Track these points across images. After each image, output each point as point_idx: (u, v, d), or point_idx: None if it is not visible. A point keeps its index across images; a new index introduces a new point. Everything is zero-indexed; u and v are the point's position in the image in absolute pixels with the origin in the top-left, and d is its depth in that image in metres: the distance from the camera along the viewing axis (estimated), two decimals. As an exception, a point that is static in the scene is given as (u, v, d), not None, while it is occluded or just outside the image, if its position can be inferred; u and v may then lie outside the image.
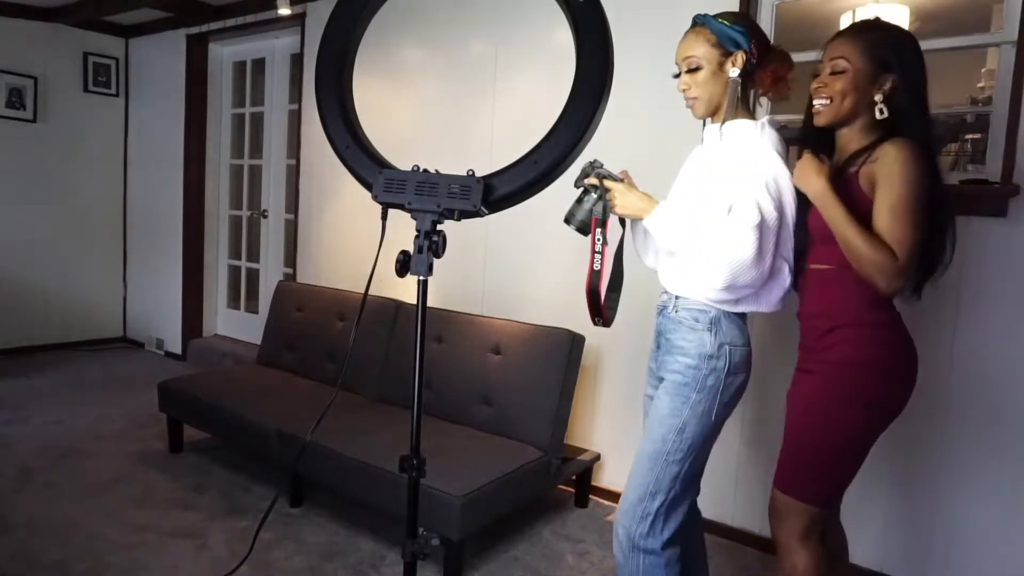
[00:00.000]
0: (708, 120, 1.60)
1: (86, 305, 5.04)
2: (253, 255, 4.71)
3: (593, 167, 1.55)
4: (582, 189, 1.55)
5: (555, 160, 1.24)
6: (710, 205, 1.47)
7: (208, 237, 4.81)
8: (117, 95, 5.05)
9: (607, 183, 1.52)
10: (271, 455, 2.68)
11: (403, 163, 1.33)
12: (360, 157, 1.36)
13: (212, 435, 3.14)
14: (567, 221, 1.57)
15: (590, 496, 2.85)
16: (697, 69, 1.53)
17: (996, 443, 2.10)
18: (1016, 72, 2.04)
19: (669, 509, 1.54)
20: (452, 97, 3.29)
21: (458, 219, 1.27)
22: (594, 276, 1.51)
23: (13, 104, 4.52)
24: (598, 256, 1.51)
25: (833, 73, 1.52)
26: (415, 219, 1.26)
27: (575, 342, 2.55)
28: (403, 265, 1.25)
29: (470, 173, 1.25)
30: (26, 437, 3.25)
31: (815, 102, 1.55)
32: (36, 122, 4.64)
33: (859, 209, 1.43)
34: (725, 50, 1.51)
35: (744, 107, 1.56)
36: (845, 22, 3.04)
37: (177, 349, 4.83)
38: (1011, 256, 2.06)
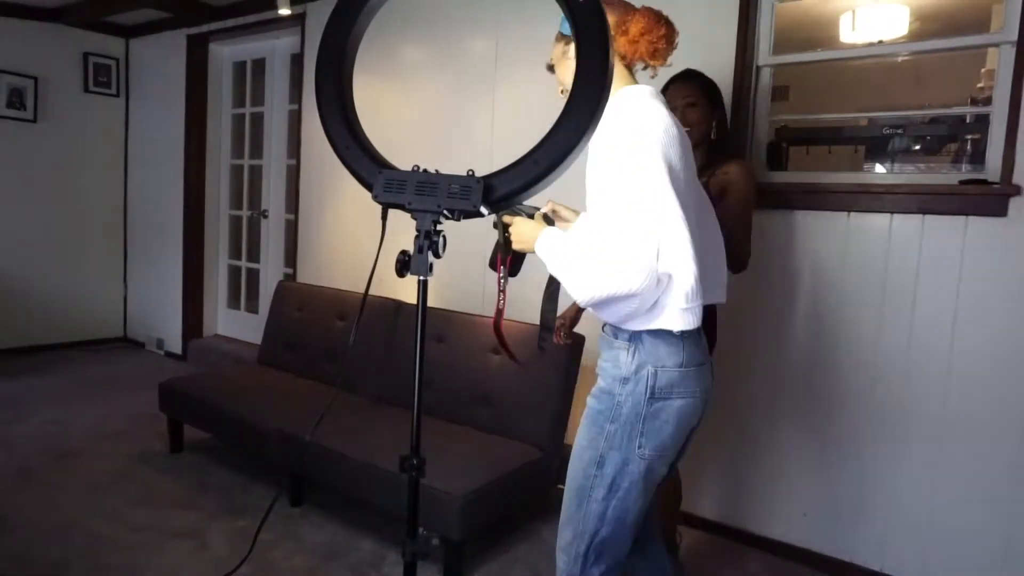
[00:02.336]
0: None
1: (86, 305, 5.05)
2: (253, 255, 4.71)
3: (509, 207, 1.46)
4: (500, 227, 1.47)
5: (555, 160, 1.24)
6: (593, 230, 1.33)
7: (208, 237, 4.82)
8: (117, 95, 5.05)
9: (506, 218, 1.43)
10: (271, 455, 2.68)
11: (403, 163, 1.32)
12: (360, 157, 1.36)
13: (212, 435, 3.15)
14: (489, 264, 1.50)
15: (590, 496, 2.85)
16: (551, 68, 1.53)
17: (999, 444, 2.10)
18: (1016, 72, 2.04)
19: (599, 550, 1.37)
20: (452, 97, 3.29)
21: (458, 219, 1.27)
22: (497, 315, 1.43)
23: (14, 104, 4.52)
24: (501, 294, 1.44)
25: (688, 106, 2.04)
26: (415, 219, 1.26)
27: (575, 342, 2.55)
28: (403, 265, 1.25)
29: (470, 173, 1.25)
30: (26, 437, 3.25)
31: None
32: (36, 122, 4.65)
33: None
34: (566, 38, 1.44)
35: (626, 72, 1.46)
36: (845, 22, 3.04)
37: (177, 349, 4.83)
38: (1011, 256, 2.06)
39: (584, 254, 1.26)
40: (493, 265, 1.50)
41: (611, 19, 1.36)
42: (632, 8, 1.44)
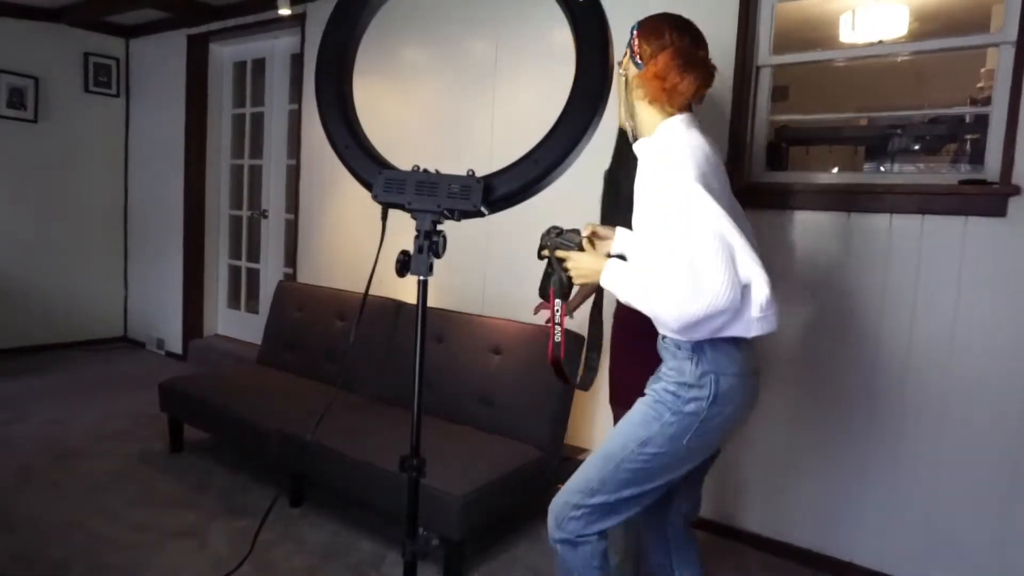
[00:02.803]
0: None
1: (87, 305, 5.04)
2: (253, 255, 4.72)
3: (549, 236, 1.50)
4: (545, 261, 1.51)
5: (555, 160, 1.24)
6: (650, 250, 1.38)
7: (208, 237, 4.82)
8: (118, 95, 5.05)
9: (560, 253, 1.47)
10: (271, 455, 2.68)
11: (403, 163, 1.33)
12: (360, 157, 1.36)
13: (212, 435, 3.15)
14: (540, 294, 1.53)
15: (590, 496, 2.85)
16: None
17: (999, 444, 2.10)
18: (1015, 72, 2.04)
19: (603, 512, 1.46)
20: (452, 97, 3.29)
21: (458, 219, 1.27)
22: (555, 348, 1.48)
23: (14, 104, 4.52)
24: (557, 327, 1.48)
25: None
26: (415, 219, 1.27)
27: (575, 342, 2.55)
28: (403, 265, 1.26)
29: (470, 173, 1.25)
30: (26, 437, 3.25)
31: None
32: (37, 122, 4.65)
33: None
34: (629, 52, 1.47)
35: (660, 111, 1.45)
36: (845, 22, 3.04)
37: (178, 349, 4.83)
38: (1011, 256, 2.06)
39: (661, 283, 1.29)
40: (544, 295, 1.52)
41: (638, 41, 1.42)
42: (667, 37, 1.42)
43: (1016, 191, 2.03)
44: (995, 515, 2.11)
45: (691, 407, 1.38)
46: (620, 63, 1.47)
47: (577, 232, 1.48)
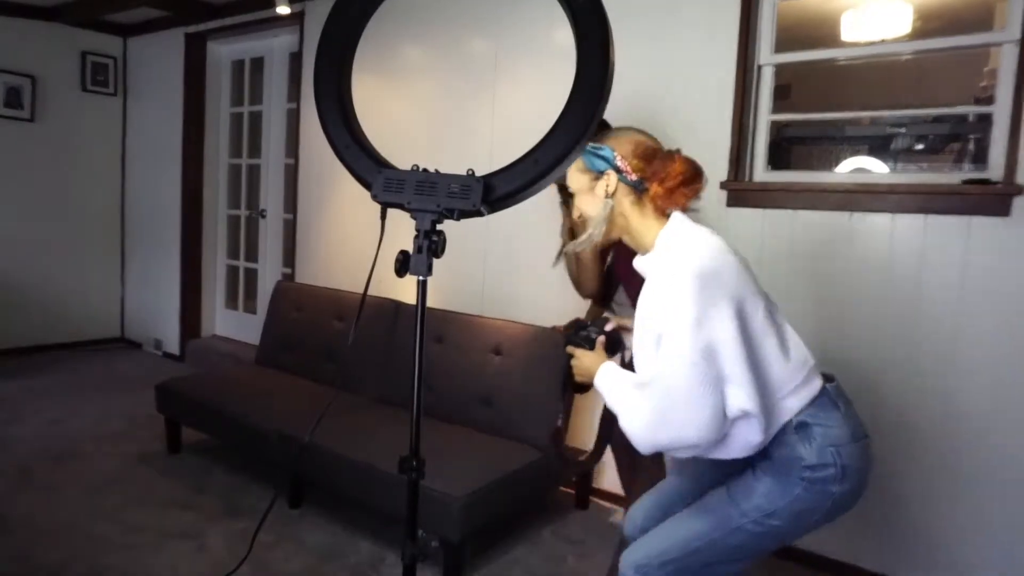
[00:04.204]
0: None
1: (84, 305, 5.03)
2: (251, 255, 4.70)
3: (569, 330, 1.56)
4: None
5: (555, 160, 1.23)
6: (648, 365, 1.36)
7: (206, 237, 4.80)
8: (115, 94, 5.03)
9: (570, 349, 1.53)
10: (270, 456, 2.67)
11: (403, 163, 1.31)
12: (359, 156, 1.35)
13: (210, 436, 3.13)
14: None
15: (591, 498, 2.84)
16: (564, 189, 1.57)
17: (1000, 442, 2.09)
18: (1019, 71, 2.03)
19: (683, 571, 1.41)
20: (452, 97, 3.28)
21: (458, 219, 1.26)
22: (556, 432, 1.60)
23: (11, 103, 4.50)
24: (561, 415, 1.59)
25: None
26: (415, 219, 1.25)
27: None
28: (402, 265, 1.24)
29: (470, 173, 1.23)
30: (25, 437, 3.24)
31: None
32: (34, 121, 4.63)
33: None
34: (595, 175, 1.43)
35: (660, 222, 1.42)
36: (846, 22, 3.02)
37: (175, 350, 4.82)
38: (1014, 256, 2.05)
39: (638, 402, 1.30)
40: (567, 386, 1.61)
41: (650, 170, 1.38)
42: (670, 157, 1.40)
43: (1020, 191, 2.02)
44: (998, 519, 2.10)
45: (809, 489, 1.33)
46: (601, 183, 1.41)
47: (598, 327, 1.53)
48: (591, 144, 1.42)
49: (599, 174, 1.42)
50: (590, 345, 1.50)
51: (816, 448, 1.31)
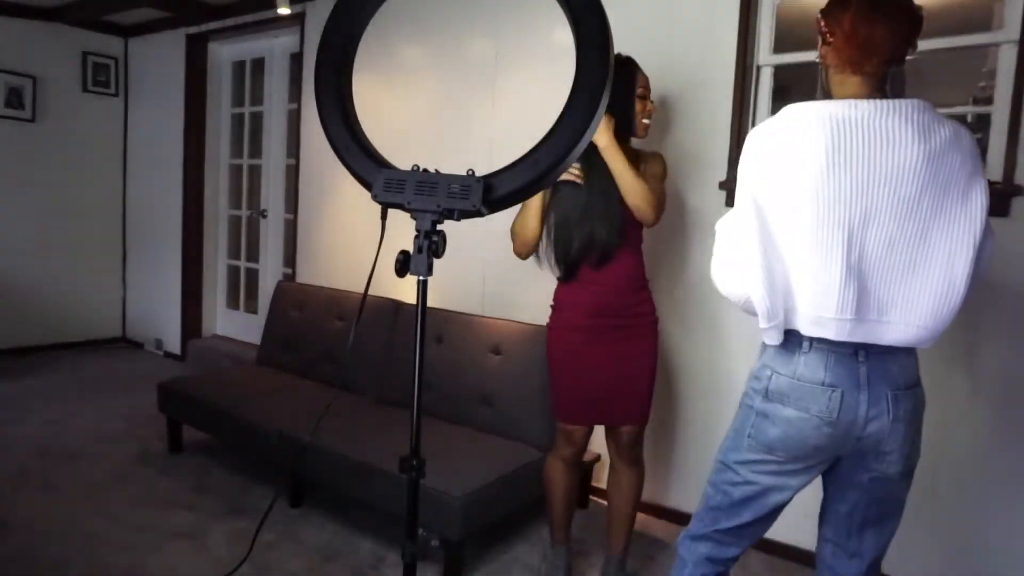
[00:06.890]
0: None
1: (85, 305, 5.03)
2: (252, 255, 4.71)
3: None
4: None
5: (555, 160, 1.23)
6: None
7: (207, 237, 4.81)
8: (116, 95, 5.04)
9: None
10: (271, 455, 2.68)
11: (403, 163, 1.32)
12: (359, 157, 1.35)
13: (211, 436, 3.14)
14: None
15: (590, 497, 2.84)
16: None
17: (999, 443, 2.09)
18: (1018, 71, 2.03)
19: (703, 518, 1.54)
20: (452, 97, 3.28)
21: (458, 219, 1.26)
22: None
23: (12, 104, 4.51)
24: None
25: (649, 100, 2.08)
26: (415, 219, 1.26)
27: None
28: (403, 265, 1.24)
29: (470, 173, 1.24)
30: (25, 437, 3.24)
31: (647, 120, 2.05)
32: (35, 122, 4.63)
33: None
34: None
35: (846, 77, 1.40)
36: (846, 21, 3.02)
37: (176, 349, 4.83)
38: (1013, 257, 2.05)
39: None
40: None
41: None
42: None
43: (1019, 191, 2.02)
44: (998, 519, 2.10)
45: (748, 397, 1.43)
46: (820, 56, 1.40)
47: None
48: None
49: None
50: None
51: (761, 362, 1.41)
